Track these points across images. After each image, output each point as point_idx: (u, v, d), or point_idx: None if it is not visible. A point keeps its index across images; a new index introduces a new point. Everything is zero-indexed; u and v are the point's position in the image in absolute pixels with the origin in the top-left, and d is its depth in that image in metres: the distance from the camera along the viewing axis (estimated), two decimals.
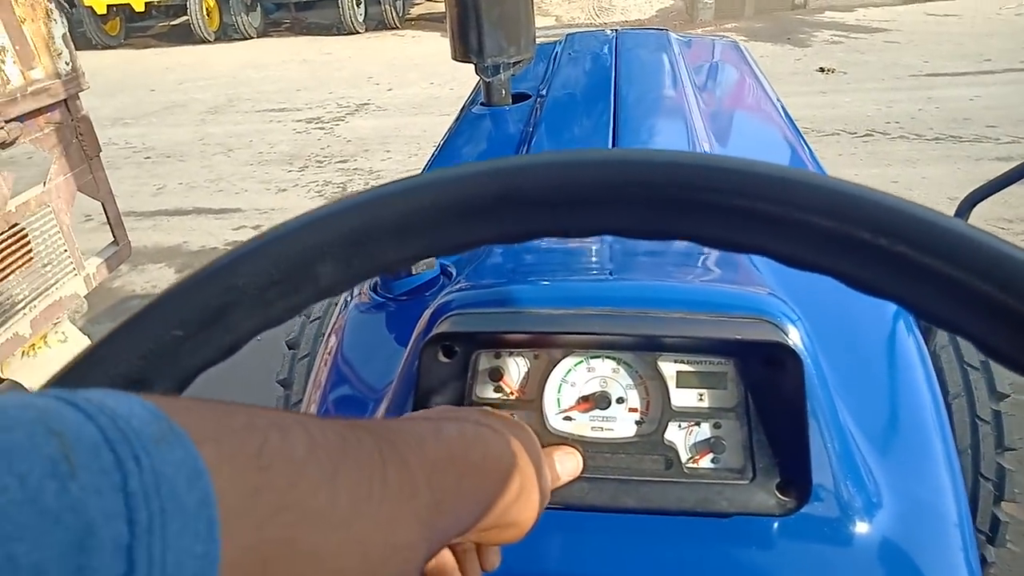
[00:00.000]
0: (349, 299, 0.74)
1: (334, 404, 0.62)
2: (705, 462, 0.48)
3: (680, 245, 0.58)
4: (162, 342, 0.29)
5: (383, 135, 5.10)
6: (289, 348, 1.77)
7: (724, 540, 0.46)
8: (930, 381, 0.59)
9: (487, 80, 1.25)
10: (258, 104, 6.17)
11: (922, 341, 0.63)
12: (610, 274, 0.53)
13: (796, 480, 0.45)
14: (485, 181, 0.29)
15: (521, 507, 0.36)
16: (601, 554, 0.47)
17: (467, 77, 6.69)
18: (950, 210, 0.48)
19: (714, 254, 0.59)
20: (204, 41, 8.63)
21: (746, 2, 8.24)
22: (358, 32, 8.24)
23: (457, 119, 1.29)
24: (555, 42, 1.63)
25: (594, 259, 0.56)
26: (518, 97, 1.29)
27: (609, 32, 1.62)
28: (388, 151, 4.80)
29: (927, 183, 3.65)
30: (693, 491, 0.47)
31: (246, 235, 3.74)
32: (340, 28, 8.22)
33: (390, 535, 0.27)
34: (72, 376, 0.28)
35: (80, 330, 2.11)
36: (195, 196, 4.30)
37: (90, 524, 0.17)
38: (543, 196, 0.29)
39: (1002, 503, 1.36)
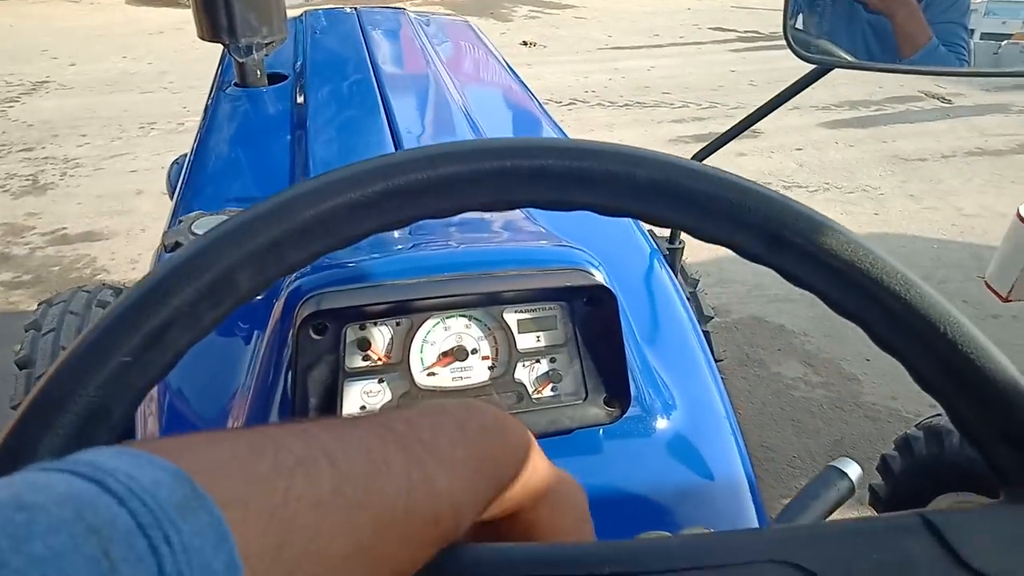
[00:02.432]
0: None
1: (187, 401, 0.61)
2: (547, 391, 0.58)
3: (499, 216, 0.67)
4: (112, 370, 0.30)
5: (73, 117, 4.49)
6: (20, 368, 1.57)
7: (571, 451, 0.57)
8: (686, 307, 0.75)
9: (240, 60, 1.22)
10: None
11: (674, 277, 0.79)
12: (448, 243, 0.60)
13: (618, 394, 0.57)
14: (370, 179, 0.35)
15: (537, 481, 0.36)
16: None
17: (165, 51, 6.09)
18: None
19: (518, 221, 0.68)
20: None
21: None
22: None
23: (210, 101, 1.24)
24: (292, 19, 1.61)
25: (430, 232, 0.63)
26: (273, 78, 1.27)
27: (348, 10, 1.64)
28: (83, 135, 4.25)
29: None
30: (542, 416, 0.57)
31: None
32: None
33: (412, 560, 0.29)
34: (34, 419, 0.29)
35: None
36: None
37: None
38: (418, 186, 0.35)
39: None
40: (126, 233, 3.24)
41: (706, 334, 1.79)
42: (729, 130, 1.18)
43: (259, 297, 0.63)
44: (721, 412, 0.63)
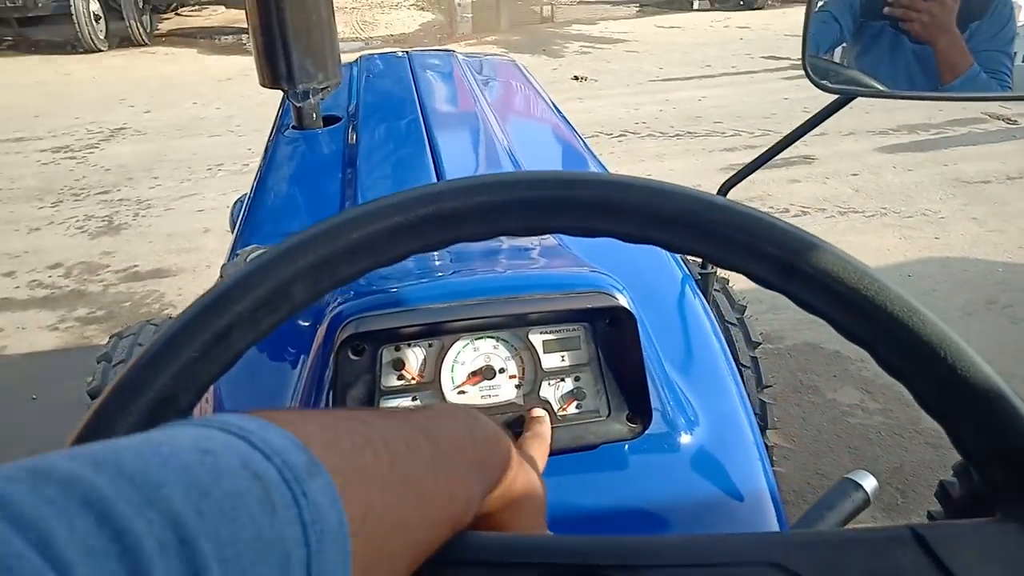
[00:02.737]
0: None
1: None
2: (572, 408, 0.61)
3: (523, 242, 0.72)
4: (184, 364, 0.36)
5: (147, 161, 4.76)
6: (92, 398, 1.67)
7: (596, 467, 0.60)
8: (714, 327, 0.77)
9: (298, 105, 1.30)
10: None
11: (704, 299, 0.81)
12: (478, 270, 0.64)
13: (640, 410, 0.60)
14: (412, 206, 0.39)
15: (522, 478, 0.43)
16: None
17: (233, 97, 6.38)
18: None
19: (550, 248, 0.72)
20: None
21: (501, 17, 8.74)
22: (100, 50, 7.53)
23: (270, 143, 1.33)
24: (350, 64, 1.70)
25: (461, 259, 0.67)
26: (328, 120, 1.35)
27: (400, 53, 1.72)
28: (156, 177, 4.50)
29: (675, 174, 4.19)
30: (567, 432, 0.60)
31: None
32: (78, 46, 7.45)
33: (435, 539, 0.34)
34: (114, 403, 0.34)
35: None
36: None
37: (287, 551, 0.23)
38: (456, 213, 0.39)
39: (767, 432, 1.66)
40: (192, 269, 3.41)
41: (754, 360, 1.79)
42: (753, 161, 1.20)
43: (307, 323, 0.69)
44: (746, 429, 0.65)
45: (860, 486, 0.57)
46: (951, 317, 2.96)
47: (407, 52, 1.72)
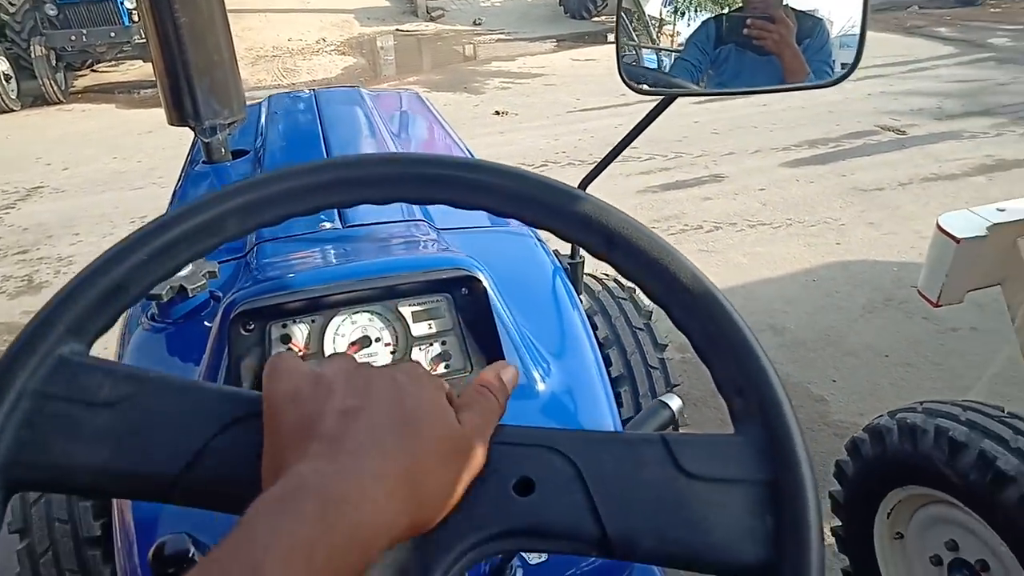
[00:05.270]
0: (129, 330, 0.85)
1: None
2: (441, 368, 0.70)
3: (401, 235, 0.81)
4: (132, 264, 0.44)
5: (66, 218, 4.69)
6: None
7: None
8: (574, 303, 0.88)
9: (206, 140, 1.37)
10: None
11: (568, 283, 0.93)
12: (354, 258, 0.73)
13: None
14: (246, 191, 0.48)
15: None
16: None
17: (154, 149, 6.32)
18: None
19: (423, 240, 0.82)
20: None
21: (423, 58, 8.94)
22: (12, 110, 7.39)
23: (182, 177, 1.39)
24: (259, 103, 1.79)
25: (338, 253, 0.77)
26: (236, 153, 1.43)
27: (307, 92, 1.82)
28: (76, 233, 4.44)
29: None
30: None
31: None
32: None
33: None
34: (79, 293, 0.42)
35: None
36: None
37: None
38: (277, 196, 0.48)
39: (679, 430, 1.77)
40: (119, 324, 3.38)
41: (661, 362, 1.91)
42: (600, 162, 1.35)
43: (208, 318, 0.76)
44: (596, 380, 0.75)
45: (668, 406, 0.67)
46: (853, 315, 3.17)
47: (313, 90, 1.81)
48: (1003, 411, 1.52)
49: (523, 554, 0.58)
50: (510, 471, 0.42)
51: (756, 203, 4.31)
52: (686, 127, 5.60)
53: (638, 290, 2.06)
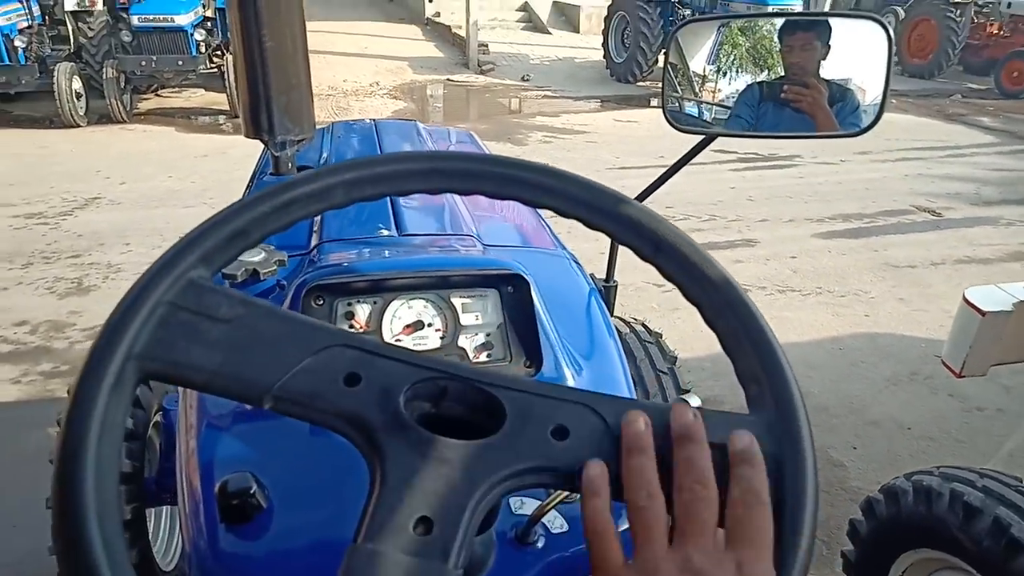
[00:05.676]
0: None
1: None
2: (483, 356, 0.78)
3: (451, 242, 0.90)
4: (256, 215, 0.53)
5: (120, 228, 4.89)
6: None
7: None
8: (605, 319, 0.96)
9: (276, 154, 1.49)
10: None
11: (600, 299, 1.00)
12: (415, 255, 0.82)
13: (533, 357, 0.77)
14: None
15: None
16: None
17: (208, 172, 6.57)
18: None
19: (473, 247, 0.91)
20: None
21: (471, 107, 9.23)
22: (79, 125, 7.75)
23: (251, 185, 1.51)
24: (324, 127, 1.92)
25: (403, 250, 0.86)
26: (301, 168, 1.55)
27: (368, 120, 1.95)
28: (127, 244, 4.63)
29: (630, 253, 4.45)
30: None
31: None
32: (57, 121, 7.66)
33: None
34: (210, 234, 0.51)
35: None
36: None
37: None
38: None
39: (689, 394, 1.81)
40: None
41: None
42: (648, 187, 1.45)
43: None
44: (623, 384, 0.82)
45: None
46: (878, 386, 3.18)
47: (373, 120, 1.94)
48: (1020, 480, 1.54)
49: (545, 522, 0.65)
50: (549, 419, 0.49)
51: (787, 270, 4.35)
52: (722, 191, 5.70)
53: (664, 335, 2.12)
